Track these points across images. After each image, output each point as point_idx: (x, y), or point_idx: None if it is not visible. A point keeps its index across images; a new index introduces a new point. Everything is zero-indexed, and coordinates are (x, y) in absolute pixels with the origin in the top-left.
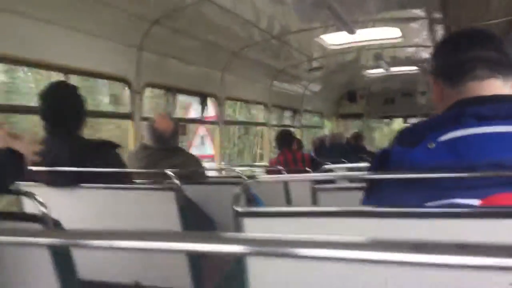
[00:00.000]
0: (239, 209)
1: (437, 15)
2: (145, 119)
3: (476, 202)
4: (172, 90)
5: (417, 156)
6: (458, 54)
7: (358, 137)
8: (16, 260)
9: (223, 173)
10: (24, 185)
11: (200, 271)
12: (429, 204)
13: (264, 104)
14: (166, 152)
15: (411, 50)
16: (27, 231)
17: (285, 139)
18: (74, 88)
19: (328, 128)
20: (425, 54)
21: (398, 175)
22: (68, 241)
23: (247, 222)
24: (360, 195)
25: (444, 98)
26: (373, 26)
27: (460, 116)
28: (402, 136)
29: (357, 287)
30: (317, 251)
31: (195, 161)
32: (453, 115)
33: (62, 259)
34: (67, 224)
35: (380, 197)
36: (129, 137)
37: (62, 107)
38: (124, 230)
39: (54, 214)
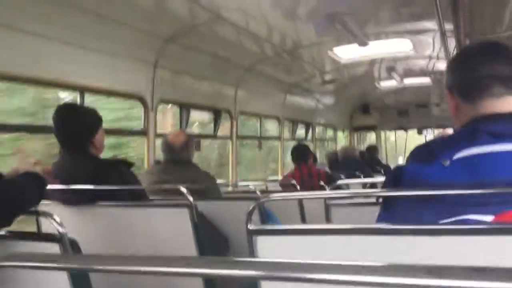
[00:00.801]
0: (252, 227)
1: (449, 27)
2: (159, 135)
3: (489, 218)
4: (186, 106)
5: (432, 173)
6: (474, 71)
7: (372, 150)
8: (36, 283)
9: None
10: (41, 204)
11: (215, 286)
12: (443, 221)
13: (277, 118)
14: (178, 165)
15: (423, 61)
16: (47, 255)
17: (301, 154)
18: (80, 109)
19: (340, 141)
20: (438, 65)
21: (413, 192)
22: (87, 266)
23: (260, 240)
24: (374, 210)
25: (459, 112)
26: (385, 39)
27: (475, 133)
28: (417, 154)
29: None
30: (332, 276)
31: (208, 177)
32: (468, 132)
33: (80, 282)
34: (83, 241)
35: (394, 214)
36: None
37: (68, 128)
38: (141, 256)
39: (71, 232)
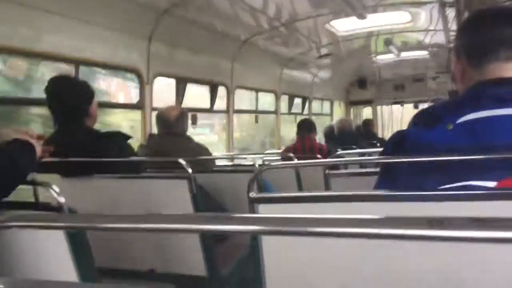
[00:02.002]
0: (254, 195)
1: None
2: (155, 109)
3: (492, 184)
4: (182, 80)
5: (434, 137)
6: (481, 34)
7: (368, 124)
8: (34, 245)
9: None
10: (38, 176)
11: (215, 257)
12: (445, 186)
13: (274, 92)
14: (173, 138)
15: (421, 35)
16: (45, 215)
17: (307, 125)
18: (74, 80)
19: (337, 115)
20: (436, 38)
21: (413, 158)
22: (87, 225)
23: (261, 208)
24: (372, 180)
25: (465, 77)
26: (383, 11)
27: (479, 97)
28: (420, 118)
29: (371, 264)
30: (332, 229)
31: (203, 149)
32: (473, 97)
33: (78, 243)
34: (81, 212)
35: (394, 180)
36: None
37: (65, 98)
38: (139, 214)
39: (69, 204)
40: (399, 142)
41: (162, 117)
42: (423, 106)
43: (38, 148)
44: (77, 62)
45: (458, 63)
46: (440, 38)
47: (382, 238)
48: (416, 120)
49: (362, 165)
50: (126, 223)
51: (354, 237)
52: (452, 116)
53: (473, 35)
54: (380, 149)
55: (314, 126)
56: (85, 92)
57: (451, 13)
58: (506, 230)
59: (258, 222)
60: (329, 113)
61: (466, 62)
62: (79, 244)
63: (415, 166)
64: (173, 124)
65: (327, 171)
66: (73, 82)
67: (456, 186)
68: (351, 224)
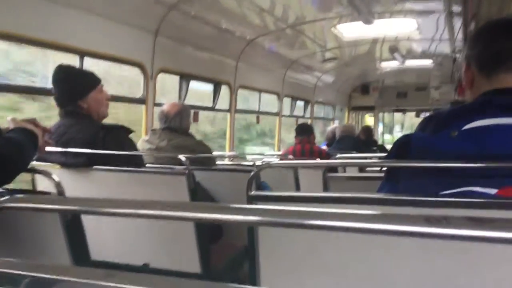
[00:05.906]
0: (253, 193)
1: (456, 8)
2: (158, 105)
3: (493, 191)
4: (186, 77)
5: (439, 143)
6: (493, 44)
7: (368, 131)
8: (31, 228)
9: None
10: (37, 165)
11: (209, 255)
12: (446, 192)
13: (276, 93)
14: (172, 132)
15: (427, 43)
16: (42, 197)
17: (306, 129)
18: (74, 69)
19: (338, 120)
20: (441, 48)
21: (416, 164)
22: (80, 208)
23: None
24: (372, 184)
25: (474, 85)
26: (390, 17)
27: (486, 106)
28: (426, 123)
29: (367, 260)
30: (330, 222)
31: (204, 147)
32: (480, 104)
33: (73, 229)
34: None
35: (397, 183)
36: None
37: (61, 87)
38: (138, 200)
39: (68, 195)
40: (404, 146)
41: (164, 114)
42: (425, 115)
43: (41, 139)
44: (82, 53)
45: (468, 71)
46: (445, 47)
47: (379, 234)
48: (424, 124)
49: (361, 170)
50: (123, 208)
51: (350, 232)
52: (458, 123)
53: (484, 44)
54: (380, 155)
55: (311, 129)
56: (82, 82)
57: (457, 23)
58: (503, 230)
59: (254, 213)
60: (330, 118)
61: (477, 71)
62: (74, 230)
63: (418, 171)
64: (171, 119)
65: (326, 174)
66: (72, 70)
67: (457, 192)
68: (348, 218)
